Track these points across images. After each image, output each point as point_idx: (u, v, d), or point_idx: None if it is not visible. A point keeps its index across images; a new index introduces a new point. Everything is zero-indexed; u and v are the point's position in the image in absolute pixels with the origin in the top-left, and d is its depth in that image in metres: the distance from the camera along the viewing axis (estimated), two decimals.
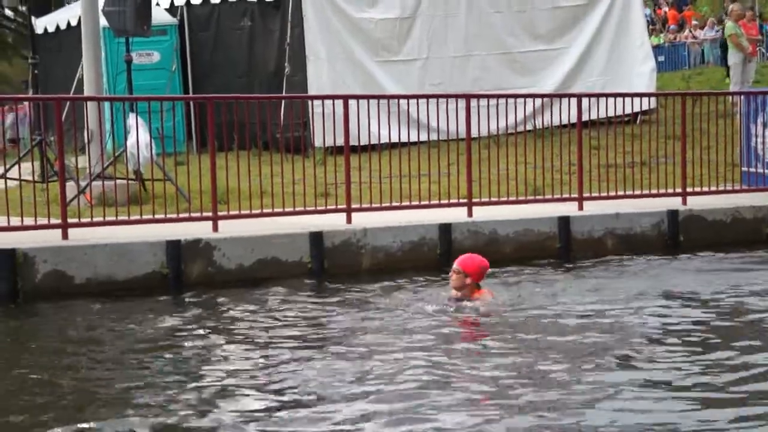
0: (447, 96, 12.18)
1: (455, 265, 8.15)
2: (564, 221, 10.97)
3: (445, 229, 10.43)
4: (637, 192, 11.96)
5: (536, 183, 11.88)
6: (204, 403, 5.47)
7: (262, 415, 5.22)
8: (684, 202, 11.86)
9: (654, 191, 11.96)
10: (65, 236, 9.38)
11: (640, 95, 14.10)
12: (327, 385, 5.71)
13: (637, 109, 13.57)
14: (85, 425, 5.06)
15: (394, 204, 10.89)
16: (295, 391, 5.67)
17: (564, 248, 10.83)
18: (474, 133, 11.22)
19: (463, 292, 8.08)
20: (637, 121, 14.69)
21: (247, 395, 5.61)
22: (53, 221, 9.55)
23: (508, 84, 17.87)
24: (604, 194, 11.85)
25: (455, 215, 10.82)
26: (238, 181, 10.14)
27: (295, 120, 13.65)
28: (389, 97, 12.96)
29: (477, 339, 7.14)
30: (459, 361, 6.29)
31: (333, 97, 11.25)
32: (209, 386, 5.81)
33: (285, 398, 5.54)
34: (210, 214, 10.01)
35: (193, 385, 5.87)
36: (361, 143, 10.89)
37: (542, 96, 14.12)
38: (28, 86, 15.38)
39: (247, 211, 10.25)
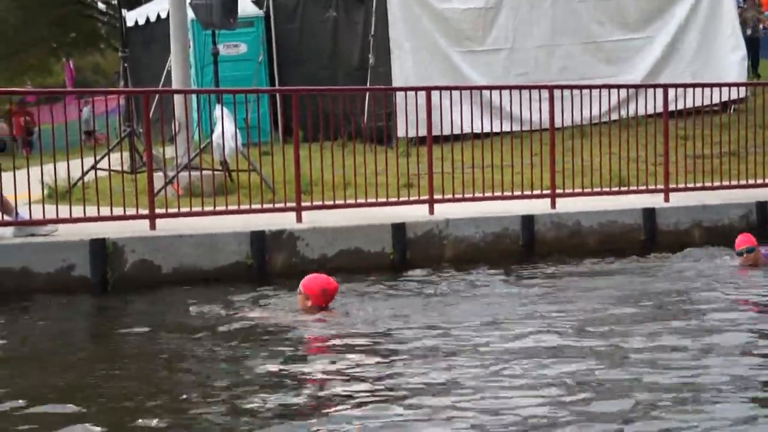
0: (530, 87, 12.12)
1: (300, 285, 7.63)
2: (649, 213, 10.84)
3: (528, 220, 10.39)
4: (726, 183, 11.76)
5: (621, 174, 11.75)
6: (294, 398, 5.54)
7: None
8: None
9: (743, 182, 11.75)
10: (153, 226, 9.58)
11: (728, 85, 13.84)
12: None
13: (726, 98, 13.32)
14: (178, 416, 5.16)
15: (477, 195, 10.88)
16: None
17: (649, 240, 10.71)
18: (558, 124, 11.15)
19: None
20: (729, 111, 14.43)
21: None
22: (141, 212, 9.75)
23: (595, 73, 17.66)
24: (691, 185, 11.68)
25: (538, 206, 10.78)
26: (321, 171, 10.22)
27: (378, 111, 13.72)
28: (472, 88, 12.96)
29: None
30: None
31: (416, 89, 11.26)
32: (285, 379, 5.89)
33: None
34: (294, 204, 10.13)
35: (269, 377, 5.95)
36: (445, 134, 10.90)
37: (627, 87, 13.93)
38: (120, 78, 15.70)
39: (331, 202, 10.35)
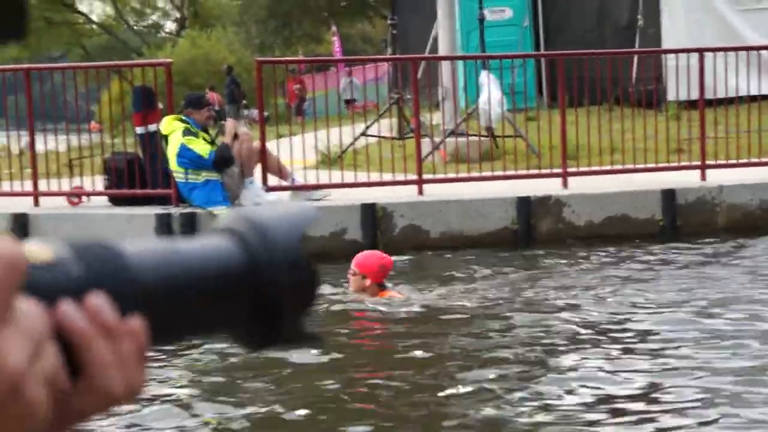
0: None
1: (352, 265, 6.93)
2: None
3: None
4: None
5: None
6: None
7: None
8: None
9: None
10: (420, 192, 9.77)
11: None
12: None
13: None
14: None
15: (753, 160, 10.40)
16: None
17: None
18: None
19: (365, 296, 6.92)
20: None
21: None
22: (409, 177, 9.95)
23: None
24: None
25: None
26: (588, 136, 10.08)
27: (647, 74, 13.34)
28: (748, 49, 12.37)
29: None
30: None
31: (688, 51, 10.88)
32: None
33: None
34: (560, 170, 10.04)
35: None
36: (718, 97, 10.48)
37: None
38: (387, 45, 16.03)
39: (597, 167, 10.19)
